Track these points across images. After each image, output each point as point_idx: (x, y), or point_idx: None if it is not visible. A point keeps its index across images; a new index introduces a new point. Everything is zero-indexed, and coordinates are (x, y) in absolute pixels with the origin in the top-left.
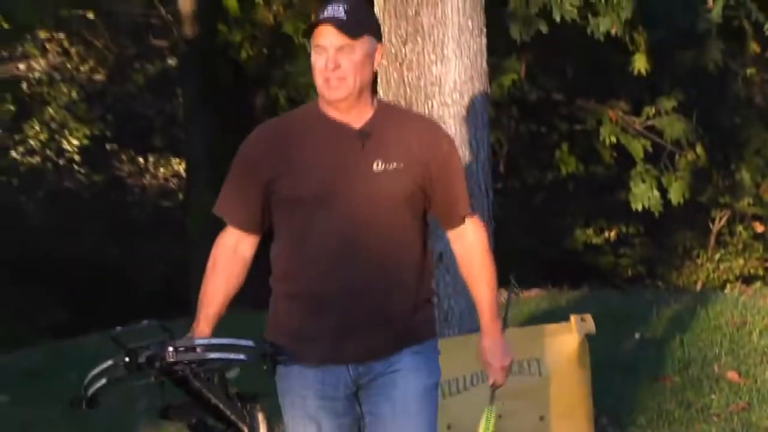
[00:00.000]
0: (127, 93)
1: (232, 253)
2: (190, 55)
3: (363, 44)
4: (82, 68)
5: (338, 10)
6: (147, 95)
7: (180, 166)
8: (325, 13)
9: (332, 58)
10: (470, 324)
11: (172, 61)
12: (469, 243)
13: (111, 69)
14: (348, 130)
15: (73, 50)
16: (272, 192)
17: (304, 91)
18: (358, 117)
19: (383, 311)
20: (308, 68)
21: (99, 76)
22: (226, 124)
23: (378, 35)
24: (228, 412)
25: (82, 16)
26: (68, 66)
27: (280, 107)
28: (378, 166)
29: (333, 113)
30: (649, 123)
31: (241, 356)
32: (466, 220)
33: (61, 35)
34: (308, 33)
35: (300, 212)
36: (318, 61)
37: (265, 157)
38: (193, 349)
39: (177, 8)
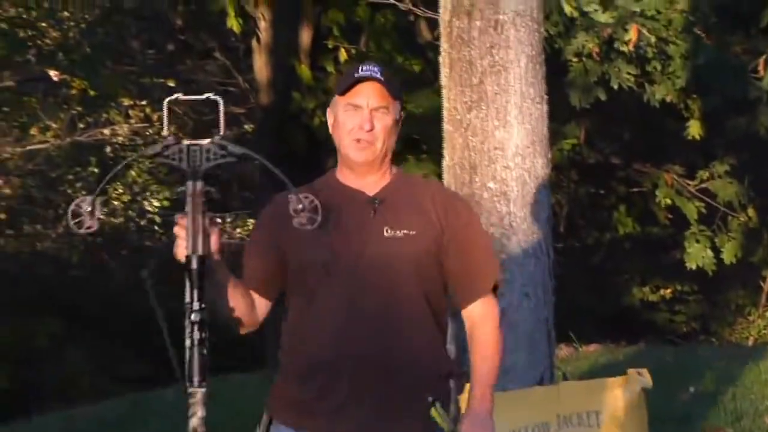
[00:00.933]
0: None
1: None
2: (266, 121)
3: (396, 108)
4: (163, 133)
5: (375, 71)
6: (300, 187)
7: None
8: (363, 70)
9: (368, 118)
10: (531, 378)
11: (248, 127)
12: (479, 315)
13: (190, 134)
14: (361, 197)
15: (154, 116)
16: (286, 259)
17: None
18: (374, 184)
19: (391, 385)
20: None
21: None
22: (299, 187)
23: (403, 103)
24: None
25: (163, 84)
26: (150, 131)
27: None
28: (388, 231)
29: (349, 179)
30: (703, 186)
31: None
32: (482, 298)
33: (144, 102)
34: (344, 90)
35: (309, 279)
36: (350, 120)
37: (281, 221)
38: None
39: (253, 77)
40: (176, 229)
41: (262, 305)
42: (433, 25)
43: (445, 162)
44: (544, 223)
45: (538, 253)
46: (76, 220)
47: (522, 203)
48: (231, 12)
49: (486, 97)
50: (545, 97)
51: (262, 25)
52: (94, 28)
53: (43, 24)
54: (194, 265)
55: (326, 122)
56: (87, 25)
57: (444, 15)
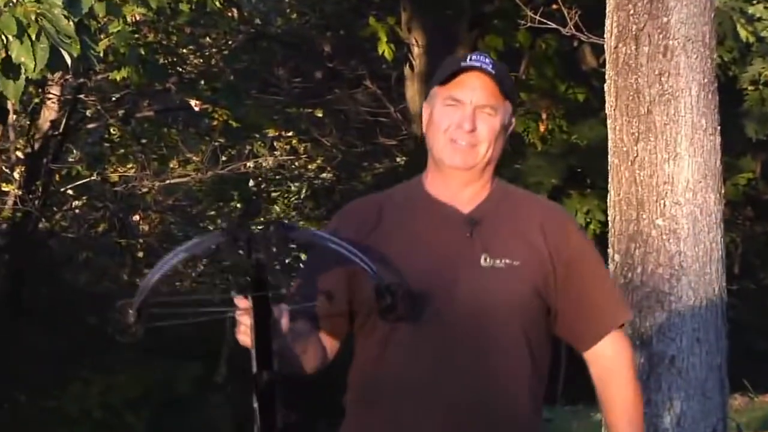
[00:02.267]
0: (355, 191)
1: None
2: (419, 153)
3: (506, 110)
4: (309, 166)
5: (486, 61)
6: (375, 193)
7: None
8: (472, 59)
9: (470, 116)
10: (703, 430)
11: (400, 160)
12: (610, 360)
13: (339, 167)
14: (454, 215)
15: (301, 148)
16: (356, 288)
17: (534, 190)
18: (470, 199)
19: None
20: (538, 167)
21: (327, 174)
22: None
23: (516, 107)
24: None
25: (310, 114)
26: (296, 164)
27: None
28: (487, 260)
29: (440, 191)
30: None
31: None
32: (612, 333)
33: (290, 133)
34: (445, 79)
35: (377, 330)
36: (448, 117)
37: (351, 238)
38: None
39: (406, 106)
40: (238, 315)
41: (333, 347)
42: (598, 50)
43: (611, 197)
44: (717, 263)
45: (711, 295)
46: (120, 328)
47: (693, 242)
48: (382, 38)
49: (654, 127)
50: (718, 128)
51: (415, 51)
52: (238, 54)
53: (184, 50)
54: (263, 383)
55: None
56: (230, 52)
57: (609, 40)
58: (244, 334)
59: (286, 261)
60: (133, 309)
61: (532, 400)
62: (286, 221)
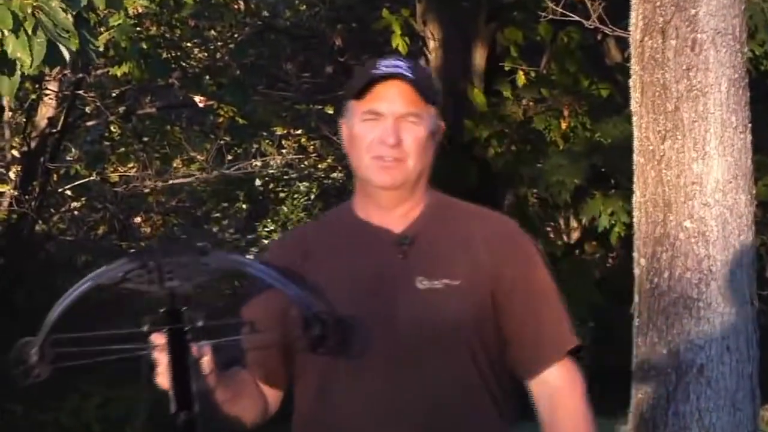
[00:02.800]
0: None
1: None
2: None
3: (430, 115)
4: (319, 165)
5: (400, 66)
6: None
7: None
8: (384, 66)
9: (393, 129)
10: None
11: None
12: (556, 387)
13: (349, 166)
14: (386, 236)
15: (310, 146)
16: (289, 321)
17: (555, 190)
18: (402, 217)
19: None
20: (560, 167)
21: (337, 174)
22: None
23: (440, 110)
24: None
25: (320, 111)
26: (305, 163)
27: (530, 208)
28: (423, 283)
29: (369, 213)
30: None
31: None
32: (558, 363)
33: (298, 131)
34: (359, 92)
35: (320, 355)
36: (369, 132)
37: (292, 269)
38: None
39: None
40: (154, 352)
41: (275, 397)
42: (623, 44)
43: (636, 198)
44: (748, 267)
45: (741, 301)
46: (22, 369)
47: (722, 245)
48: (396, 31)
49: (682, 125)
50: (749, 125)
51: (431, 45)
52: (245, 48)
53: (188, 44)
54: (182, 422)
55: (502, 152)
56: (236, 46)
57: (635, 33)
58: (161, 375)
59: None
60: (34, 348)
61: (491, 427)
62: (202, 244)
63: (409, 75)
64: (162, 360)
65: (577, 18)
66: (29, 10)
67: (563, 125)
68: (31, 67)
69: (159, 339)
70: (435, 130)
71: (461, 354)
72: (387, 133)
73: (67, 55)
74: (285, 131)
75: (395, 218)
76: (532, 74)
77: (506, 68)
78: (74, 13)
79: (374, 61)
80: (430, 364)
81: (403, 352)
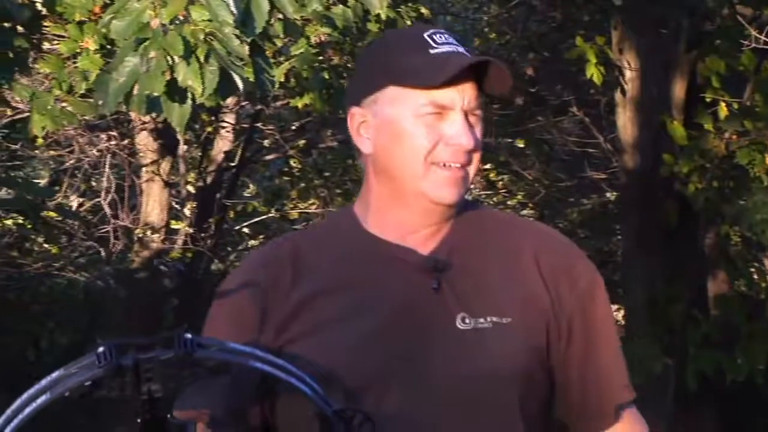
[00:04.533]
0: (559, 229)
1: None
2: (631, 187)
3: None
4: (509, 202)
5: (458, 47)
6: (582, 232)
7: (618, 313)
8: (443, 43)
9: (466, 128)
10: None
11: (610, 195)
12: None
13: (541, 203)
14: (411, 258)
15: (499, 182)
16: (275, 407)
17: (759, 228)
18: (431, 235)
19: None
20: (765, 204)
21: (528, 211)
22: (670, 268)
23: None
24: None
25: (511, 144)
26: (493, 199)
27: (732, 247)
28: (466, 321)
29: (386, 229)
30: None
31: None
32: (622, 414)
33: (488, 165)
34: (431, 78)
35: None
36: (429, 131)
37: (266, 300)
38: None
39: (617, 135)
40: None
41: None
42: None
43: None
44: None
45: None
46: None
47: None
48: (591, 59)
49: None
50: None
51: (628, 75)
52: None
53: None
54: None
55: (703, 189)
56: None
57: None
58: None
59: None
60: None
61: None
62: (187, 333)
63: (467, 53)
64: None
65: None
66: (201, 37)
67: None
68: (202, 95)
69: None
70: None
71: (510, 409)
72: (461, 132)
73: (240, 84)
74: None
75: (423, 236)
76: (735, 106)
77: (707, 100)
78: (249, 40)
79: (419, 31)
80: (473, 425)
81: (438, 411)
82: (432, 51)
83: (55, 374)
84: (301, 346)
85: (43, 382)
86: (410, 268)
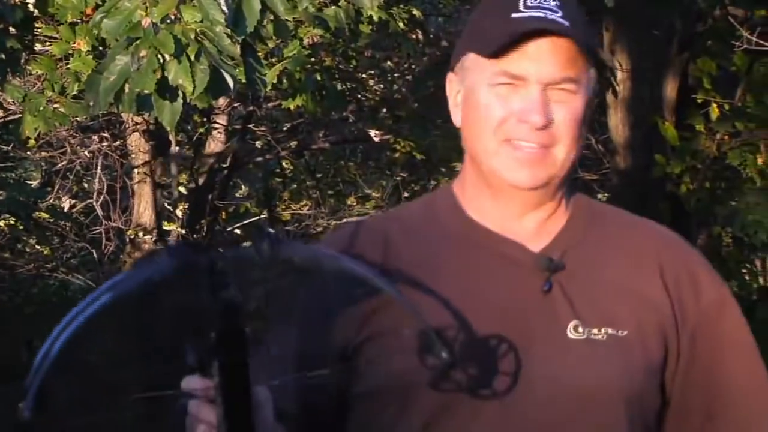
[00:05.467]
0: None
1: None
2: (623, 188)
3: (590, 81)
4: None
5: (552, 9)
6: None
7: None
8: (531, 10)
9: (540, 102)
10: None
11: (602, 196)
12: None
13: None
14: (520, 255)
15: None
16: (371, 350)
17: (751, 229)
18: (539, 227)
19: None
20: (757, 205)
21: None
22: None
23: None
24: None
25: None
26: None
27: (724, 248)
28: (579, 330)
29: (489, 216)
30: None
31: None
32: None
33: None
34: (497, 48)
35: (413, 418)
36: (502, 104)
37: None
38: None
39: (608, 137)
40: (191, 406)
41: None
42: None
43: None
44: None
45: None
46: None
47: None
48: None
49: None
50: None
51: (620, 76)
52: (424, 80)
53: (364, 76)
54: None
55: (695, 189)
56: (414, 77)
57: None
58: None
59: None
60: (27, 403)
61: None
62: (273, 231)
63: (566, 23)
64: (205, 416)
65: None
66: (193, 36)
67: (760, 161)
68: (193, 94)
69: (200, 383)
70: (592, 99)
71: (616, 429)
72: (532, 107)
73: (231, 83)
74: None
75: (530, 228)
76: (727, 107)
77: (699, 101)
78: (240, 40)
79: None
80: None
81: (539, 424)
82: (514, 15)
83: (121, 275)
84: (381, 346)
85: (107, 283)
86: (518, 265)
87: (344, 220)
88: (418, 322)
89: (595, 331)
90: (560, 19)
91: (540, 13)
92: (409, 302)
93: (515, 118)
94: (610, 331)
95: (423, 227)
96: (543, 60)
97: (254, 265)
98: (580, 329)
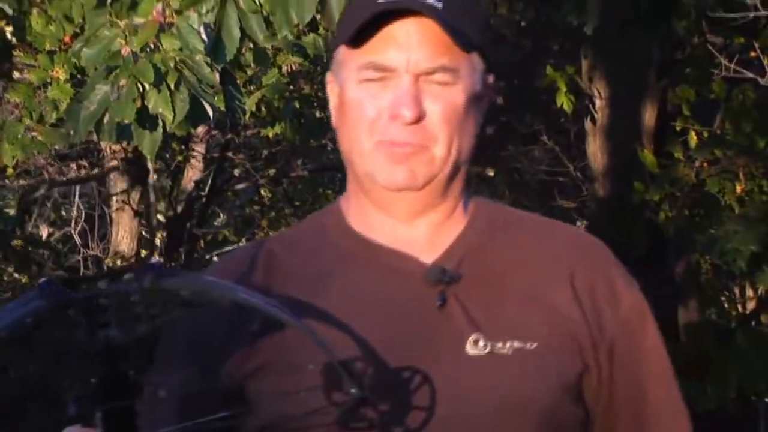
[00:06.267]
0: None
1: None
2: (601, 215)
3: (473, 70)
4: None
5: None
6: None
7: None
8: None
9: (411, 94)
10: None
11: (580, 223)
12: None
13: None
14: (409, 267)
15: None
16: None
17: (730, 257)
18: (432, 235)
19: None
20: (735, 233)
21: None
22: (645, 295)
23: (488, 51)
24: None
25: (480, 172)
26: None
27: (703, 276)
28: (478, 345)
29: (377, 225)
30: None
31: None
32: None
33: None
34: (355, 35)
35: None
36: (372, 100)
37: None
38: None
39: (587, 164)
40: None
41: None
42: None
43: None
44: None
45: None
46: None
47: None
48: (561, 88)
49: None
50: None
51: (598, 103)
52: None
53: None
54: None
55: (674, 217)
56: None
57: None
58: None
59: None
60: None
61: None
62: (156, 262)
63: (437, 4)
64: None
65: (752, 75)
66: (172, 64)
67: (738, 188)
68: (173, 122)
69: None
70: (481, 90)
71: None
72: (401, 100)
73: (210, 111)
74: None
75: (422, 238)
76: (705, 134)
77: (678, 128)
78: (219, 68)
79: None
80: None
81: None
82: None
83: None
84: (267, 382)
85: None
86: (408, 280)
87: None
88: (324, 355)
89: (499, 344)
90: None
91: None
92: (315, 332)
93: (386, 115)
94: (516, 344)
95: (307, 246)
96: (412, 47)
97: (138, 301)
98: (481, 343)
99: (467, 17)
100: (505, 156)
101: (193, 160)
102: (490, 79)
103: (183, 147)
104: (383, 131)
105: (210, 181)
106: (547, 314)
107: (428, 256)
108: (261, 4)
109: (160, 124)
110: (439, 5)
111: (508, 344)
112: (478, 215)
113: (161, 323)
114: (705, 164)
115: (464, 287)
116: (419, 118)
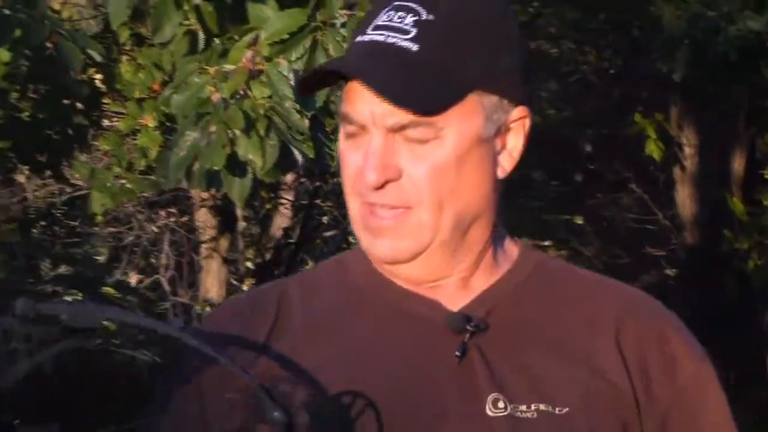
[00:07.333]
0: None
1: None
2: (691, 264)
3: (468, 116)
4: None
5: (396, 27)
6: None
7: None
8: (372, 31)
9: (376, 154)
10: None
11: (670, 272)
12: None
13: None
14: (429, 314)
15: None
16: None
17: None
18: (462, 281)
19: None
20: None
21: None
22: (730, 347)
23: (521, 78)
24: None
25: (568, 221)
26: None
27: None
28: (499, 406)
29: (404, 270)
30: None
31: None
32: None
33: (546, 242)
34: (303, 85)
35: None
36: (351, 156)
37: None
38: None
39: (676, 212)
40: None
41: None
42: None
43: None
44: None
45: None
46: None
47: None
48: (651, 135)
49: None
50: None
51: (687, 151)
52: None
53: None
54: None
55: (763, 266)
56: None
57: None
58: None
59: None
60: None
61: None
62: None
63: (409, 45)
64: None
65: None
66: (262, 111)
67: None
68: (263, 169)
69: None
70: (491, 133)
71: None
72: (366, 161)
73: (300, 158)
74: (531, 242)
75: (448, 286)
76: None
77: (766, 176)
78: (309, 115)
79: (368, 19)
80: None
81: None
82: (358, 38)
83: None
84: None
85: None
86: (428, 326)
87: None
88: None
89: (523, 407)
90: (406, 42)
91: (380, 37)
92: (229, 360)
93: (355, 173)
94: (542, 407)
95: (328, 286)
96: (374, 99)
97: (12, 333)
98: (501, 404)
99: (466, 49)
100: (593, 204)
101: (281, 208)
102: (515, 113)
103: (272, 194)
104: (364, 192)
105: (299, 229)
106: (585, 376)
107: (456, 303)
108: None
109: (250, 170)
110: (414, 47)
111: (533, 407)
112: (522, 264)
113: (43, 359)
114: None
115: (490, 339)
116: (388, 180)
